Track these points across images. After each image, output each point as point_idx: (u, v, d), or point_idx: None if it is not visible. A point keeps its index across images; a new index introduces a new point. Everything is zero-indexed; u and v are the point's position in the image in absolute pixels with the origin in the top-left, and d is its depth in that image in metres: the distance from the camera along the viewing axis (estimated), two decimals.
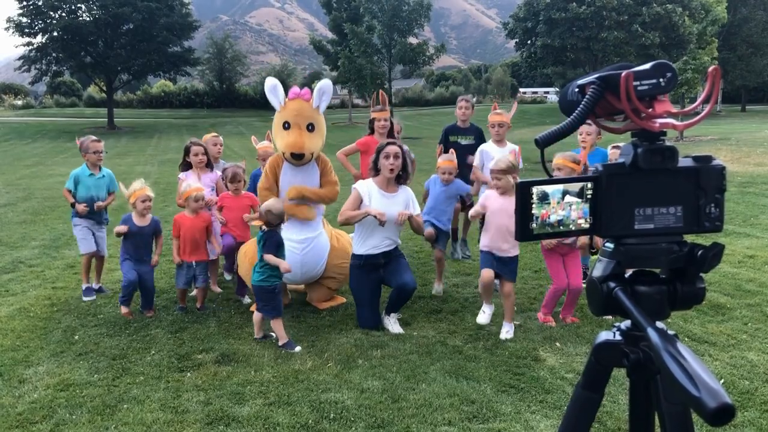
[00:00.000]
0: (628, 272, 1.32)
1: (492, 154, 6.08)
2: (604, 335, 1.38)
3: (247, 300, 5.78)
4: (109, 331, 5.14)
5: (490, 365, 4.29)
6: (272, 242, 4.68)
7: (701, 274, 1.27)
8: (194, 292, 5.81)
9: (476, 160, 6.37)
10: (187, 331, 5.09)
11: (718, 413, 0.92)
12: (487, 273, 4.95)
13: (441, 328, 5.07)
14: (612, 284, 1.25)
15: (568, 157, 5.09)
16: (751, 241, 7.54)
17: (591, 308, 1.33)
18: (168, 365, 4.41)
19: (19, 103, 61.97)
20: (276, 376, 4.19)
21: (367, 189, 5.10)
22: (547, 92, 71.64)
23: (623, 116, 1.26)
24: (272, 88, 5.24)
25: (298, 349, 4.65)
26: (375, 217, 4.83)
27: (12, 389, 4.07)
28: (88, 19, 38.66)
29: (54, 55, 38.90)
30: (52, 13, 37.85)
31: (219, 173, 6.30)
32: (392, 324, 5.09)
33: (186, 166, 6.26)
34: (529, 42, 21.32)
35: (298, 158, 5.16)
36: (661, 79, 1.19)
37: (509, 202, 4.87)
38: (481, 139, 7.17)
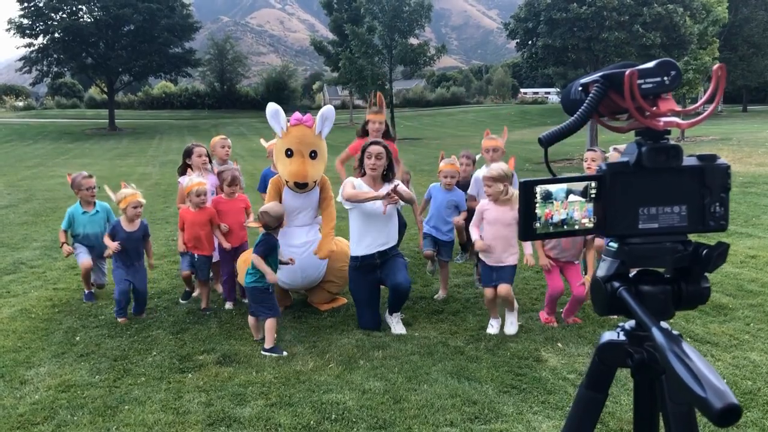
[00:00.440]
0: (633, 272, 1.31)
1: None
2: (608, 335, 1.37)
3: (246, 300, 5.77)
4: (110, 332, 5.13)
5: (492, 366, 4.29)
6: (265, 244, 4.64)
7: (706, 274, 1.27)
8: (196, 293, 5.81)
9: (471, 188, 6.14)
10: (189, 332, 5.08)
11: (725, 414, 0.91)
12: (490, 292, 4.94)
13: (442, 329, 5.06)
14: (616, 284, 1.24)
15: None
16: (753, 241, 7.53)
17: (595, 308, 1.32)
18: (169, 366, 4.41)
19: (21, 104, 62.07)
20: (277, 377, 4.18)
21: (358, 182, 5.11)
22: (548, 93, 71.62)
23: (627, 115, 1.25)
24: (274, 113, 5.20)
25: (285, 353, 4.62)
26: (385, 198, 4.79)
27: (13, 390, 4.07)
28: (89, 20, 38.72)
29: (55, 56, 38.96)
30: (53, 14, 37.91)
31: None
32: (395, 324, 5.08)
33: (184, 169, 6.20)
34: (530, 42, 21.28)
35: (301, 187, 5.17)
36: (665, 78, 1.18)
37: (503, 212, 4.89)
38: None
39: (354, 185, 5.06)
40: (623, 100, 1.19)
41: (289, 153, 5.16)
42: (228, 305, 5.75)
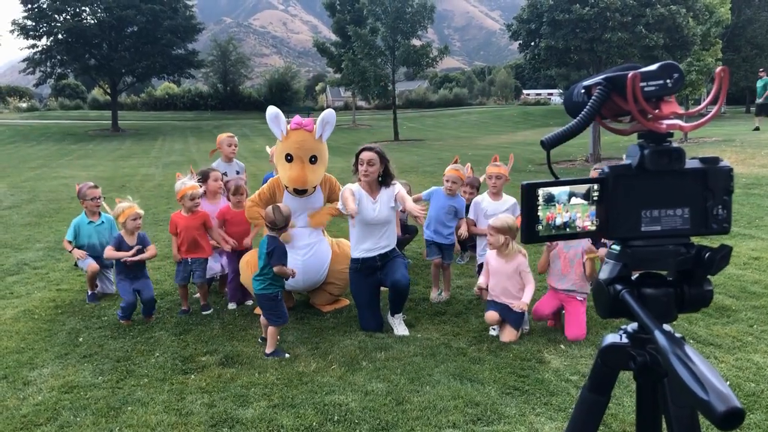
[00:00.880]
0: (635, 274, 1.31)
1: (485, 207, 5.81)
2: (611, 338, 1.37)
3: (249, 302, 5.78)
4: (113, 333, 5.14)
5: (495, 367, 4.28)
6: (279, 252, 4.60)
7: (708, 277, 1.26)
8: (197, 294, 5.81)
9: (471, 213, 6.02)
10: (191, 333, 5.09)
11: (728, 417, 0.91)
12: (491, 315, 4.90)
13: (445, 330, 5.06)
14: (619, 286, 1.24)
15: None
16: (756, 243, 7.51)
17: (598, 311, 1.32)
18: (172, 367, 4.41)
19: (24, 105, 62.12)
20: (280, 378, 4.18)
21: (358, 191, 5.08)
22: (551, 94, 71.57)
23: (629, 117, 1.25)
24: (274, 117, 5.19)
25: (287, 355, 4.62)
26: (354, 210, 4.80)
27: (16, 391, 4.08)
28: (92, 21, 38.73)
29: (58, 57, 38.96)
30: (56, 15, 37.92)
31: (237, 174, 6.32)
32: (397, 325, 5.08)
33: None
34: (532, 44, 21.23)
35: (301, 193, 5.18)
36: (668, 80, 1.18)
37: (503, 264, 4.91)
38: None
39: (353, 192, 5.04)
40: (626, 102, 1.19)
41: (288, 158, 5.16)
42: (231, 306, 5.76)
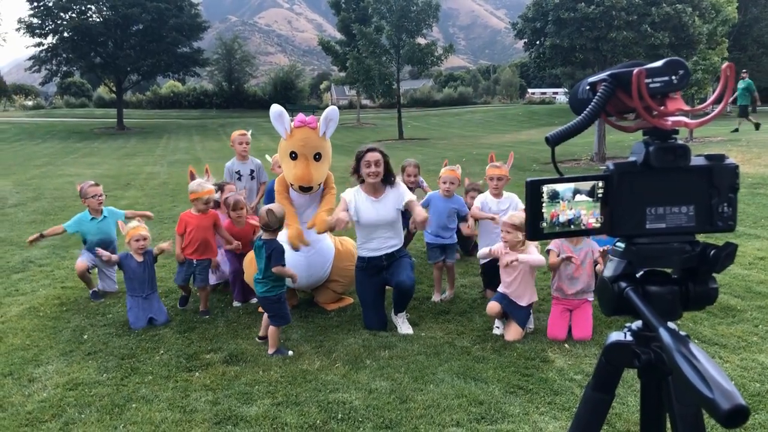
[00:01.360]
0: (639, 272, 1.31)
1: (488, 204, 5.76)
2: (615, 336, 1.37)
3: (254, 300, 5.78)
4: (117, 330, 5.15)
5: (499, 366, 4.28)
6: (277, 254, 4.58)
7: (714, 275, 1.26)
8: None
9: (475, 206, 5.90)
10: (196, 331, 5.10)
11: (732, 415, 0.90)
12: (494, 306, 4.89)
13: (449, 329, 5.06)
14: (623, 284, 1.24)
15: None
16: (762, 243, 7.49)
17: (602, 308, 1.32)
18: (176, 365, 4.42)
19: (30, 103, 62.36)
20: (284, 376, 4.19)
21: (354, 197, 5.08)
22: (556, 93, 71.40)
23: (635, 114, 1.24)
24: (277, 115, 5.18)
25: (290, 352, 4.63)
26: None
27: (22, 388, 4.09)
28: (98, 19, 38.79)
29: (64, 55, 39.04)
30: (62, 14, 38.01)
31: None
32: (401, 324, 5.08)
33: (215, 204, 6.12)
34: (537, 42, 21.18)
35: (306, 190, 5.19)
36: (673, 77, 1.18)
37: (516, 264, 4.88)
38: None
39: (349, 200, 5.04)
40: (631, 99, 1.18)
41: (293, 156, 5.16)
42: (236, 303, 5.76)
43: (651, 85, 1.18)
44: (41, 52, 38.61)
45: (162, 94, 63.68)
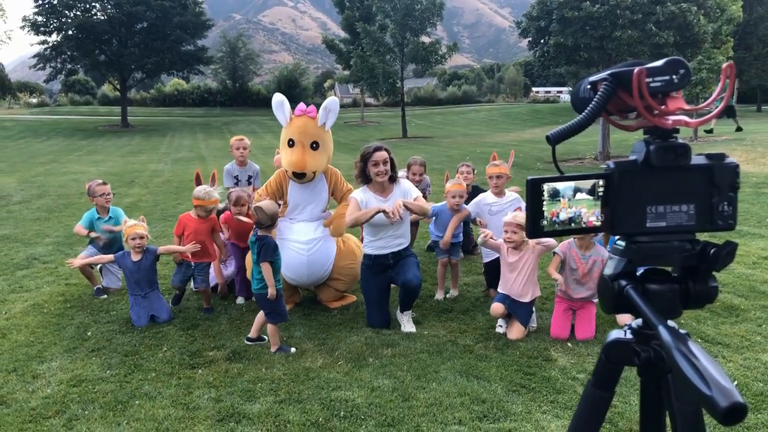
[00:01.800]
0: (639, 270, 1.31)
1: (489, 203, 5.76)
2: (615, 333, 1.37)
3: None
4: (121, 327, 5.17)
5: (501, 365, 4.28)
6: (267, 249, 4.58)
7: (714, 273, 1.26)
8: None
9: (472, 208, 5.85)
10: (199, 329, 5.11)
11: (730, 412, 0.91)
12: (498, 307, 4.89)
13: (452, 328, 5.06)
14: (623, 282, 1.24)
15: None
16: (766, 242, 7.47)
17: (602, 306, 1.32)
18: (179, 362, 4.43)
19: (34, 101, 62.52)
20: (287, 373, 4.20)
21: (364, 197, 5.08)
22: (560, 92, 71.36)
23: (636, 113, 1.24)
24: (279, 104, 5.26)
25: (293, 349, 4.64)
26: (387, 214, 4.74)
27: (26, 384, 4.11)
28: (102, 17, 38.89)
29: (68, 53, 39.16)
30: (67, 11, 38.12)
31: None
32: (405, 322, 5.08)
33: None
34: (542, 41, 21.14)
35: (299, 177, 5.20)
36: (674, 76, 1.18)
37: (523, 260, 4.89)
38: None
39: (360, 200, 5.03)
40: (632, 98, 1.18)
41: (290, 143, 5.22)
42: (239, 300, 5.78)
43: (652, 85, 1.18)
44: (46, 49, 38.74)
45: (166, 92, 63.80)
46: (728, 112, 23.23)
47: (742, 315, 5.15)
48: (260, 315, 4.77)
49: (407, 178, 6.58)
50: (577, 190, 1.26)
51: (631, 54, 17.33)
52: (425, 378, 4.09)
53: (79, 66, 42.01)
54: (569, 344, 4.66)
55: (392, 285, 5.30)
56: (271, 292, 4.56)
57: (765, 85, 46.00)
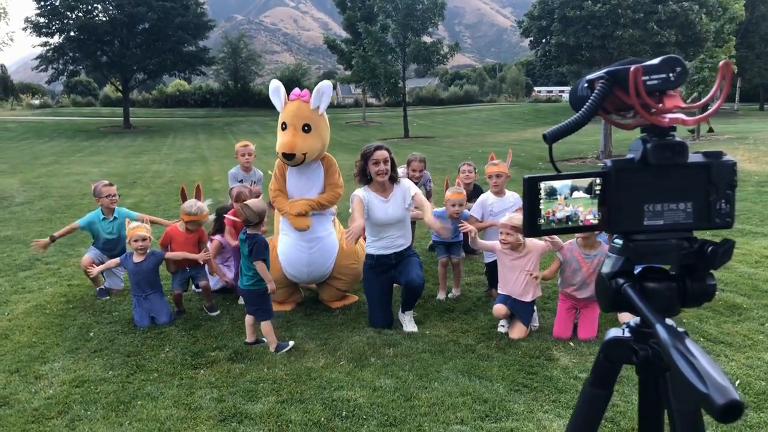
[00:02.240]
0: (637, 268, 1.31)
1: (490, 205, 5.78)
2: (614, 332, 1.37)
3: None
4: (123, 328, 5.18)
5: (503, 364, 4.28)
6: (260, 247, 4.60)
7: (711, 271, 1.26)
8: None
9: (475, 211, 5.88)
10: (201, 329, 5.12)
11: (727, 410, 0.91)
12: (500, 308, 4.89)
13: (453, 327, 5.06)
14: (621, 280, 1.24)
15: None
16: None
17: (600, 304, 1.33)
18: (182, 362, 4.44)
19: (36, 102, 62.54)
20: (289, 373, 4.20)
21: (366, 195, 5.05)
22: (562, 91, 71.30)
23: (633, 112, 1.25)
24: (275, 90, 5.33)
25: (291, 343, 4.67)
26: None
27: (28, 385, 4.12)
28: (104, 18, 38.92)
29: (70, 54, 39.21)
30: (68, 13, 38.16)
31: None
32: (407, 322, 5.08)
33: (219, 227, 6.16)
34: (543, 41, 21.17)
35: (288, 158, 5.16)
36: (670, 74, 1.18)
37: (521, 260, 4.89)
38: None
39: (363, 198, 5.01)
40: (628, 96, 1.18)
41: (283, 126, 5.24)
42: (242, 300, 5.78)
43: (648, 83, 1.18)
44: (48, 51, 38.79)
45: (168, 93, 63.81)
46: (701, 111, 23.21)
47: (744, 314, 5.14)
48: (248, 318, 4.76)
49: (407, 174, 6.59)
50: (574, 188, 1.26)
51: (633, 53, 17.33)
52: (427, 378, 4.09)
53: (81, 67, 42.06)
54: (571, 343, 4.66)
55: (394, 285, 5.30)
56: (272, 287, 4.61)
57: (767, 83, 45.89)
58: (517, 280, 4.88)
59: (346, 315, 5.41)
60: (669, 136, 1.23)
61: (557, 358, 4.39)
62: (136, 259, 5.39)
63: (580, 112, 1.25)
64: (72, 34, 38.16)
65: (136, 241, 5.38)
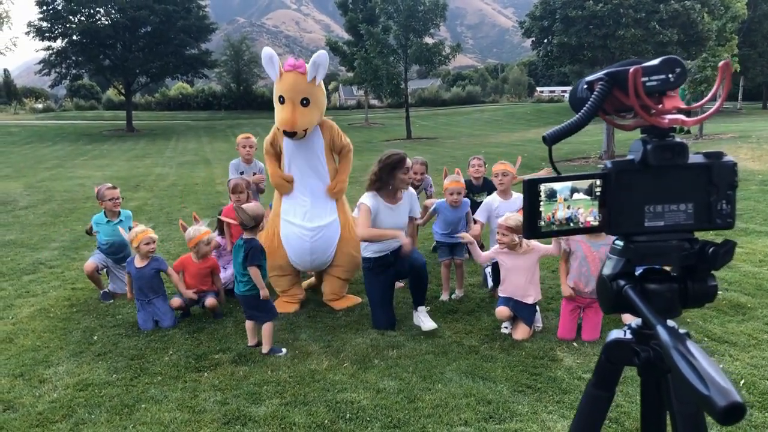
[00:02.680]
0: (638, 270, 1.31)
1: (496, 207, 5.76)
2: (615, 333, 1.37)
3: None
4: (127, 331, 5.18)
5: (507, 365, 4.28)
6: (255, 253, 4.59)
7: (713, 272, 1.26)
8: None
9: (480, 214, 5.86)
10: (205, 332, 5.12)
11: (729, 412, 0.90)
12: (502, 310, 4.87)
13: (457, 328, 5.06)
14: (622, 282, 1.24)
15: None
16: None
17: (601, 306, 1.33)
18: (185, 365, 4.44)
19: (40, 106, 62.70)
20: (292, 376, 4.20)
21: (374, 203, 5.01)
22: (565, 91, 71.21)
23: (633, 113, 1.24)
24: (268, 58, 5.24)
25: (285, 350, 4.65)
26: (402, 247, 4.87)
27: (32, 389, 4.12)
28: (106, 22, 39.01)
29: (73, 58, 39.31)
30: (71, 17, 38.26)
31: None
32: (423, 319, 4.99)
33: (221, 228, 6.26)
34: (545, 41, 21.16)
35: (290, 136, 5.19)
36: (669, 75, 1.18)
37: (518, 261, 4.89)
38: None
39: (371, 206, 4.97)
40: (628, 97, 1.18)
41: (281, 100, 5.23)
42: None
43: (648, 84, 1.18)
44: (51, 55, 38.89)
45: (171, 96, 63.96)
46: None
47: (748, 313, 5.13)
48: (248, 323, 4.77)
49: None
50: (574, 190, 1.26)
51: (634, 53, 17.31)
52: (431, 379, 4.09)
53: (83, 71, 42.23)
54: (575, 344, 4.65)
55: (398, 285, 5.31)
56: (264, 293, 4.59)
57: None
58: (517, 281, 4.87)
59: (349, 317, 5.41)
60: (669, 137, 1.23)
61: (561, 359, 4.38)
62: (139, 264, 5.40)
63: (579, 113, 1.24)
64: (75, 38, 38.26)
65: (147, 243, 5.38)
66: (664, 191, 1.23)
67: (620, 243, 1.28)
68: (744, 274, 6.09)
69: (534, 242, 4.91)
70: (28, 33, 38.04)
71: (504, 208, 5.67)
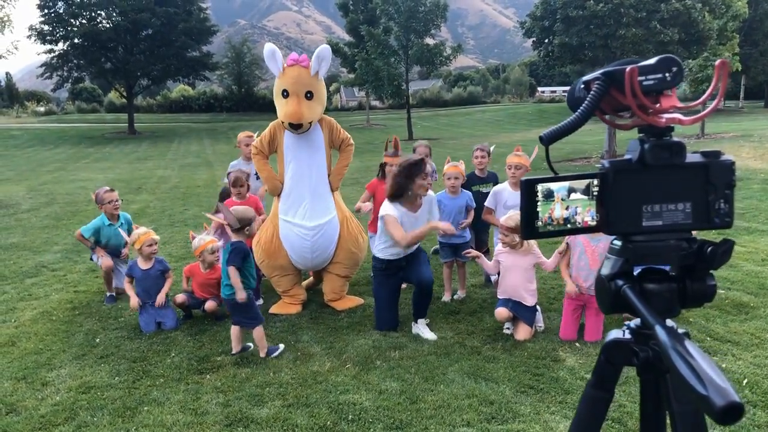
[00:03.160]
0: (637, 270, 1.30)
1: (505, 197, 5.73)
2: (614, 334, 1.37)
3: (260, 301, 5.77)
4: (129, 334, 5.19)
5: (509, 366, 4.27)
6: (237, 253, 4.58)
7: (711, 271, 1.25)
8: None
9: (489, 201, 5.87)
10: (207, 334, 5.12)
11: (726, 412, 0.90)
12: (502, 312, 4.86)
13: (459, 329, 5.06)
14: (620, 282, 1.23)
15: None
16: None
17: (600, 306, 1.32)
18: (188, 367, 4.45)
19: (42, 109, 62.74)
20: (294, 377, 4.20)
21: (398, 215, 4.91)
22: (566, 91, 71.13)
23: (630, 112, 1.24)
24: (271, 53, 5.28)
25: (281, 346, 4.68)
26: (440, 230, 4.92)
27: (35, 392, 4.13)
28: (107, 25, 39.12)
29: (75, 61, 39.42)
30: (72, 20, 38.37)
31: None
32: (424, 330, 4.99)
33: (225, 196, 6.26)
34: (546, 41, 21.16)
35: (296, 128, 5.23)
36: (666, 74, 1.17)
37: (518, 260, 4.89)
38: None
39: (398, 216, 4.89)
40: (625, 97, 1.18)
41: (285, 94, 5.26)
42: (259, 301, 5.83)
43: (644, 83, 1.18)
44: (52, 58, 38.99)
45: (172, 98, 64.01)
46: None
47: (751, 312, 5.12)
48: (234, 329, 4.72)
49: None
50: (571, 190, 1.26)
51: (635, 52, 17.30)
52: (433, 380, 4.09)
53: (85, 74, 42.30)
54: (577, 344, 4.65)
55: (403, 286, 5.32)
56: (240, 295, 4.52)
57: None
58: (515, 280, 4.86)
59: (352, 318, 5.41)
60: (666, 137, 1.22)
61: (563, 359, 4.38)
62: (144, 266, 5.41)
63: (576, 113, 1.24)
64: (76, 41, 38.37)
65: (150, 245, 5.40)
66: (661, 191, 1.23)
67: (618, 243, 1.27)
68: (746, 273, 6.08)
69: (534, 246, 4.90)
70: (29, 36, 38.14)
71: (513, 199, 5.62)
